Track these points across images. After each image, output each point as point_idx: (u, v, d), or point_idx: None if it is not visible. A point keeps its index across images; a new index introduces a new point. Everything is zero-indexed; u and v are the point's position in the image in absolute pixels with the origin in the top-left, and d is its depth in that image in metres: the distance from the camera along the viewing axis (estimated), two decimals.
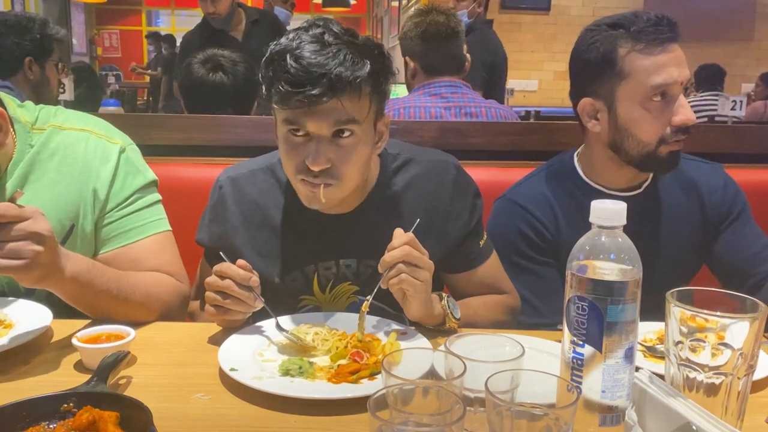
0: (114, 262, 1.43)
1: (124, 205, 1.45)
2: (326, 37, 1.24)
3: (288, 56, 1.22)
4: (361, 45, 1.27)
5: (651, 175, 1.63)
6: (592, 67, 1.51)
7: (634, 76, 1.46)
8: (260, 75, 1.30)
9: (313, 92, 1.20)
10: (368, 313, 1.27)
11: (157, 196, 1.53)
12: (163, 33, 10.87)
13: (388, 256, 1.21)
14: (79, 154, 1.43)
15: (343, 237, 1.45)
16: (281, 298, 1.47)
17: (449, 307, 1.32)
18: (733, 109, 3.40)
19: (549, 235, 1.59)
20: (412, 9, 2.74)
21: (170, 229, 1.52)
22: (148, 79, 10.31)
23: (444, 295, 1.34)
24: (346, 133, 1.27)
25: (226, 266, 1.25)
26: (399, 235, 1.23)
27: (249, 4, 3.80)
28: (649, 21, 1.46)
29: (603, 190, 1.60)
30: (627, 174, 1.59)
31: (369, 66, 1.25)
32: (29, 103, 1.48)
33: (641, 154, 1.51)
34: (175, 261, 1.49)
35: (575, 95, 1.59)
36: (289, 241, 1.46)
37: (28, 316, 1.29)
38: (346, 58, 1.22)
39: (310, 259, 1.46)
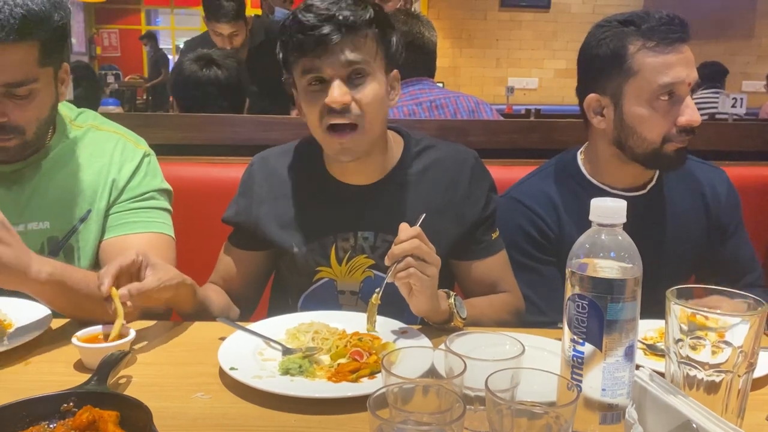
0: (108, 248, 1.47)
1: (136, 198, 1.51)
2: None
3: (298, 12, 1.36)
4: (367, 1, 1.39)
5: (655, 176, 1.63)
6: (601, 62, 1.51)
7: (642, 74, 1.46)
8: (277, 46, 1.41)
9: (323, 32, 1.32)
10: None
11: (169, 205, 1.57)
12: (152, 32, 10.97)
13: (397, 249, 1.21)
14: (108, 151, 1.53)
15: (362, 209, 1.49)
16: (299, 269, 1.52)
17: (456, 306, 1.32)
18: (733, 106, 3.40)
19: (552, 233, 1.59)
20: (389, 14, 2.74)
21: (173, 237, 1.54)
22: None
23: (452, 293, 1.34)
24: (360, 75, 1.37)
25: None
26: (405, 229, 1.23)
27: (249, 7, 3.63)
28: (661, 20, 1.46)
29: (607, 189, 1.60)
30: (631, 172, 1.59)
31: (371, 11, 1.37)
32: (68, 103, 1.56)
33: (646, 151, 1.51)
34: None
35: (582, 91, 1.59)
36: (310, 212, 1.51)
37: (28, 316, 1.29)
38: (349, 3, 1.35)
39: (329, 230, 1.50)
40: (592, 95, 1.54)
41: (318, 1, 1.34)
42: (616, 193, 1.58)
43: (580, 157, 1.66)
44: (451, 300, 1.33)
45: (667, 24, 1.46)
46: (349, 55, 1.34)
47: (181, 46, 4.06)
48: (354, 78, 1.36)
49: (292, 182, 1.53)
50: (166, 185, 1.59)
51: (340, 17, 1.32)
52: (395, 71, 1.47)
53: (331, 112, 1.36)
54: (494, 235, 1.54)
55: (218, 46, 3.44)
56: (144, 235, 1.49)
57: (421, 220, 1.29)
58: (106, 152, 1.52)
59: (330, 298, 1.51)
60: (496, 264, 1.54)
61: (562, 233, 1.58)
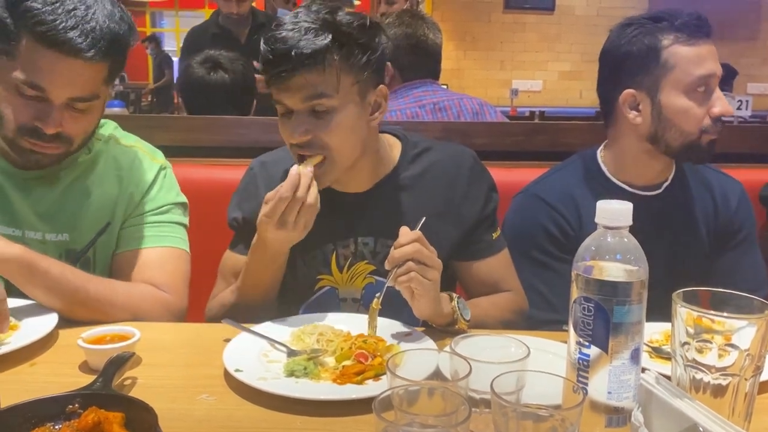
0: (121, 262, 1.49)
1: (151, 212, 1.52)
2: (300, 15, 1.32)
3: (263, 42, 1.33)
4: (330, 20, 1.31)
5: (671, 176, 1.65)
6: (635, 59, 1.54)
7: (679, 66, 1.51)
8: None
9: (278, 69, 1.30)
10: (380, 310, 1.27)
11: (185, 219, 1.58)
12: (152, 35, 11.03)
13: (398, 253, 1.21)
14: (126, 165, 1.54)
15: (361, 215, 1.49)
16: (299, 277, 1.51)
17: (459, 308, 1.32)
18: (739, 108, 3.38)
19: (572, 231, 1.60)
20: (393, 15, 2.73)
21: (188, 251, 1.54)
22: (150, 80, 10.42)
23: (455, 295, 1.34)
24: (321, 107, 1.33)
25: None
26: (406, 233, 1.23)
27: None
28: (691, 15, 1.52)
29: (626, 188, 1.62)
30: (655, 168, 1.62)
31: (330, 38, 1.29)
32: None
33: (683, 144, 1.54)
34: (175, 277, 1.49)
35: (608, 89, 1.61)
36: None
37: (34, 317, 1.29)
38: (308, 33, 1.29)
39: (328, 238, 1.49)
40: (627, 91, 1.56)
41: (283, 30, 1.30)
42: (635, 192, 1.60)
43: (600, 156, 1.67)
44: (455, 302, 1.32)
45: (697, 18, 1.52)
46: (309, 91, 1.31)
47: None
48: (317, 112, 1.33)
49: None
50: (182, 198, 1.59)
51: (297, 52, 1.27)
52: (381, 87, 1.41)
53: (295, 145, 1.37)
54: (495, 235, 1.54)
55: (224, 11, 3.53)
56: (157, 249, 1.49)
57: (421, 224, 1.29)
58: (124, 166, 1.54)
59: (332, 307, 1.50)
60: (498, 264, 1.53)
61: (581, 232, 1.58)
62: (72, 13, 1.26)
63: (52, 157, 1.39)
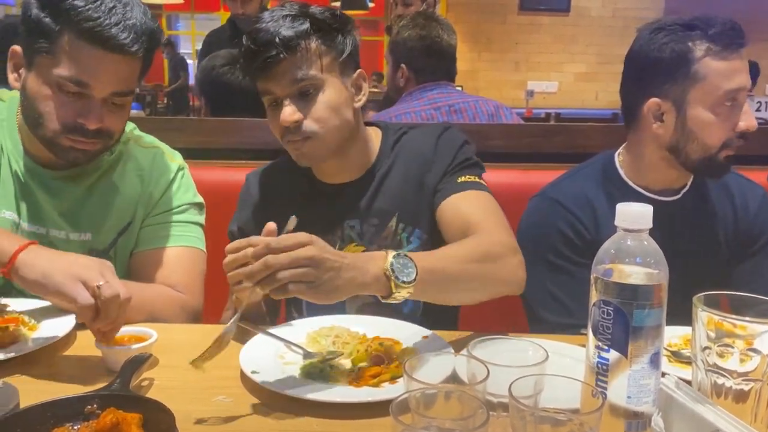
0: (139, 261, 1.51)
1: (169, 211, 1.54)
2: (276, 11, 1.40)
3: (245, 38, 1.40)
4: (306, 10, 1.41)
5: (690, 181, 1.63)
6: (664, 67, 1.51)
7: (709, 79, 1.47)
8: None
9: (266, 56, 1.36)
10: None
11: (201, 219, 1.60)
12: (167, 39, 11.14)
13: (242, 273, 1.06)
14: (146, 165, 1.57)
15: (348, 203, 1.53)
16: None
17: (393, 271, 1.13)
18: (758, 110, 3.35)
19: (588, 235, 1.58)
20: (408, 17, 2.74)
21: (204, 251, 1.56)
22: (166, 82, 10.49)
23: (392, 254, 1.14)
24: (308, 89, 1.39)
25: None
26: (255, 242, 1.08)
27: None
28: (726, 25, 1.47)
29: (643, 192, 1.60)
30: (673, 175, 1.60)
31: (308, 23, 1.38)
32: None
33: (702, 158, 1.52)
34: (191, 276, 1.51)
35: (636, 93, 1.58)
36: (301, 216, 1.45)
37: (52, 319, 1.30)
38: (285, 20, 1.38)
39: (319, 231, 1.47)
40: (653, 100, 1.53)
41: (262, 23, 1.38)
42: (652, 197, 1.58)
43: (617, 159, 1.66)
44: (387, 264, 1.13)
45: (732, 29, 1.47)
46: (295, 73, 1.37)
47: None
48: (304, 94, 1.39)
49: (283, 191, 1.58)
50: (199, 199, 1.62)
51: (279, 39, 1.35)
52: (359, 71, 1.48)
53: (287, 131, 1.41)
54: (463, 178, 1.48)
55: (232, 11, 3.61)
56: (175, 248, 1.52)
57: (293, 226, 1.19)
58: (145, 166, 1.56)
59: None
60: (464, 201, 1.45)
61: (598, 236, 1.56)
62: (113, 10, 1.30)
63: (90, 153, 1.40)
